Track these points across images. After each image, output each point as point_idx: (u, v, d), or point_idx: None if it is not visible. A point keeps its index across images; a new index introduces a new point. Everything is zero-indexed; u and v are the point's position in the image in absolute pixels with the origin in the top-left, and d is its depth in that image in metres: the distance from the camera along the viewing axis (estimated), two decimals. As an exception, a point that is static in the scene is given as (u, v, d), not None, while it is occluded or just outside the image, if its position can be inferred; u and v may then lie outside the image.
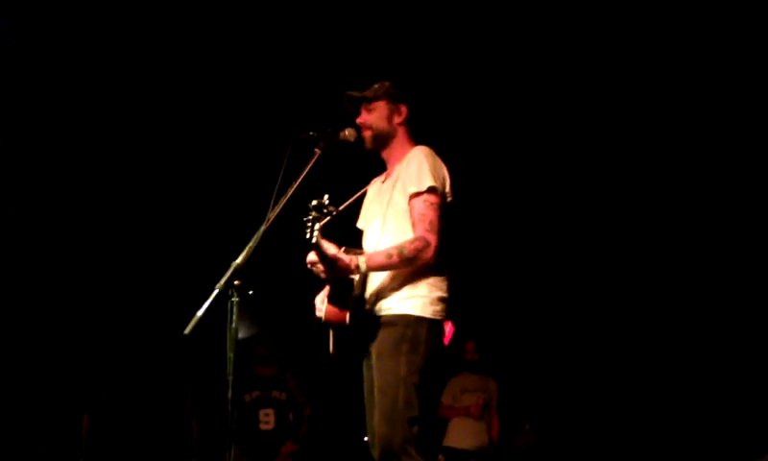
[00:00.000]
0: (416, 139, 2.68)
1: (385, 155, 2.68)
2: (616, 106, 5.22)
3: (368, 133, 2.63)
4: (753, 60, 4.69)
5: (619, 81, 5.06)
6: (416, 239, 2.42)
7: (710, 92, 4.94)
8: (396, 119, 2.64)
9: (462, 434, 5.15)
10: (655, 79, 5.01)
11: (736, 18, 4.50)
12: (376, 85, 2.66)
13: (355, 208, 2.76)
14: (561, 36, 4.85)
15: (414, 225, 2.46)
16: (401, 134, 2.65)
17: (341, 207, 2.40)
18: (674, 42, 4.74)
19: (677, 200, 5.51)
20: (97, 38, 4.77)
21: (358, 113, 2.66)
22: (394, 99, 2.64)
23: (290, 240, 2.37)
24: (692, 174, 5.38)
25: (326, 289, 2.56)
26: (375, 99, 2.63)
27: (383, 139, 2.64)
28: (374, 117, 2.63)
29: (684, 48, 4.76)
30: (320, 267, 2.39)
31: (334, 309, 2.47)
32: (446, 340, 2.54)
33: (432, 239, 2.42)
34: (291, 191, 2.31)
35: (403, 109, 2.65)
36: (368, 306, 2.51)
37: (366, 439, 2.60)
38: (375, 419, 2.43)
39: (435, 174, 2.49)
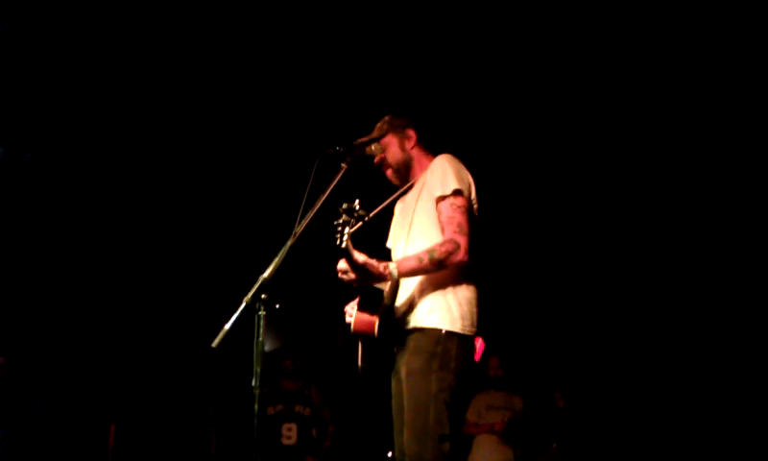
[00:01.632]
0: (433, 151, 2.69)
1: (410, 179, 2.70)
2: (639, 117, 5.18)
3: (389, 171, 2.67)
4: (753, 60, 4.63)
5: (638, 94, 5.02)
6: (446, 242, 2.41)
7: (712, 93, 4.88)
8: (408, 144, 2.67)
9: (487, 452, 5.08)
10: (670, 90, 4.97)
11: (736, 18, 4.45)
12: (379, 124, 2.69)
13: (384, 225, 2.75)
14: (576, 46, 4.83)
15: (442, 229, 2.45)
16: (418, 155, 2.68)
17: (371, 214, 2.38)
18: (679, 45, 4.69)
19: (707, 214, 5.42)
20: (122, 57, 4.85)
21: (373, 155, 2.67)
22: (399, 128, 2.67)
23: (317, 254, 2.37)
24: (713, 183, 5.31)
25: (357, 299, 2.54)
26: (383, 136, 2.66)
27: (404, 169, 2.67)
28: (390, 154, 2.66)
29: (686, 49, 4.71)
30: (350, 275, 2.36)
31: (364, 317, 2.43)
32: (477, 356, 2.50)
33: (462, 241, 2.40)
34: (318, 205, 2.31)
35: (411, 133, 2.68)
36: (397, 318, 2.48)
37: (390, 455, 2.57)
38: (405, 436, 2.40)
39: (459, 178, 2.50)
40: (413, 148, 2.66)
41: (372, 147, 2.63)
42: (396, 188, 2.74)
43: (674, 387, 5.57)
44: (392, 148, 2.65)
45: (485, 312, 2.58)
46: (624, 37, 4.71)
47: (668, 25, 4.58)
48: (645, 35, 4.67)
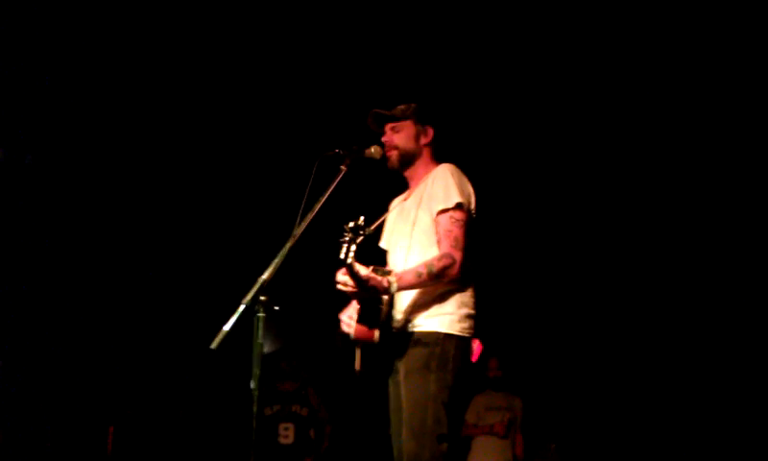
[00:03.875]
0: (438, 159, 2.69)
1: (408, 174, 2.71)
2: (639, 123, 5.20)
3: (394, 153, 2.65)
4: (753, 60, 4.64)
5: (637, 95, 5.04)
6: (442, 256, 2.43)
7: (712, 92, 4.89)
8: (423, 140, 2.67)
9: (486, 453, 5.09)
10: (668, 90, 4.98)
11: (736, 18, 4.46)
12: (403, 106, 2.68)
13: (377, 229, 2.77)
14: (581, 52, 4.85)
15: (439, 241, 2.48)
16: (426, 155, 2.68)
17: (372, 227, 2.42)
18: (683, 44, 4.71)
19: (708, 218, 5.43)
20: (123, 59, 4.86)
21: (382, 132, 2.68)
22: (421, 120, 2.67)
23: (316, 256, 2.39)
24: (714, 188, 5.32)
25: (353, 305, 2.57)
26: (403, 119, 2.66)
27: (408, 159, 2.66)
28: (401, 137, 2.65)
29: (688, 49, 4.72)
30: (351, 287, 2.39)
31: (364, 328, 2.48)
32: (474, 357, 2.53)
33: (458, 256, 2.43)
34: (317, 208, 2.33)
35: (430, 131, 2.68)
36: (396, 324, 2.51)
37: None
38: (404, 436, 2.43)
39: (461, 190, 2.51)
40: (425, 146, 2.67)
41: (372, 149, 2.63)
42: (393, 194, 2.77)
43: (674, 386, 5.58)
44: (406, 133, 2.64)
45: (484, 314, 2.60)
46: (623, 38, 4.73)
47: (667, 25, 4.60)
48: (644, 35, 4.68)
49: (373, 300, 2.45)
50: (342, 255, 2.21)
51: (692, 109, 5.04)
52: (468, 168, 2.65)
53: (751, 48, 4.58)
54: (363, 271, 2.35)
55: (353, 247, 2.21)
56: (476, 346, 2.53)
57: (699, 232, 5.49)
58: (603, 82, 5.00)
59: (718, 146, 5.17)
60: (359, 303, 2.52)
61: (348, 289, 2.39)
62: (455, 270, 2.42)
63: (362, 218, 2.22)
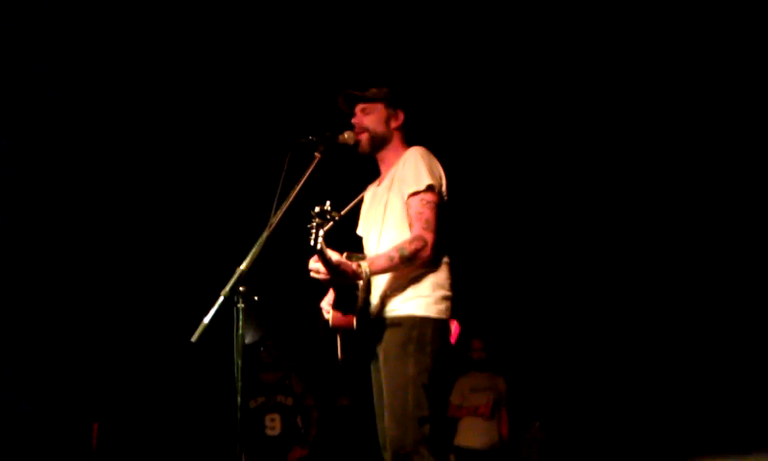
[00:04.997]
0: (410, 144, 2.68)
1: (379, 158, 2.70)
2: (614, 101, 5.23)
3: (364, 136, 2.64)
4: (753, 60, 4.68)
5: (613, 76, 5.07)
6: (414, 238, 2.43)
7: (710, 92, 4.93)
8: (393, 124, 2.66)
9: (472, 433, 5.14)
10: (652, 78, 5.01)
11: (736, 18, 4.49)
12: (375, 89, 2.67)
13: (354, 215, 2.76)
14: (551, 35, 4.86)
15: (410, 223, 2.48)
16: (396, 139, 2.67)
17: (342, 212, 2.41)
18: (674, 42, 4.73)
19: (677, 197, 5.49)
20: (98, 44, 4.79)
21: (352, 113, 2.67)
22: (392, 104, 2.67)
23: (293, 244, 2.38)
24: (693, 173, 5.37)
25: (331, 294, 2.57)
26: (374, 101, 2.65)
27: (378, 142, 2.65)
28: (371, 119, 2.64)
29: (684, 48, 4.75)
30: (322, 274, 2.38)
31: (339, 314, 2.48)
32: (453, 339, 2.53)
33: (429, 238, 2.43)
34: (293, 196, 2.32)
35: (400, 115, 2.67)
36: (373, 309, 2.51)
37: None
38: (386, 421, 2.44)
39: (432, 172, 2.51)
40: (395, 129, 2.66)
41: (345, 135, 2.62)
42: (366, 182, 2.76)
43: (656, 364, 5.65)
44: (377, 116, 2.63)
45: (467, 295, 2.60)
46: (594, 22, 4.74)
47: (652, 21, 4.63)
48: (631, 29, 4.70)
49: (349, 286, 2.45)
50: (311, 242, 2.19)
51: (662, 91, 5.08)
52: (443, 152, 2.64)
53: (745, 48, 4.61)
54: (334, 256, 2.35)
55: (321, 232, 2.19)
56: (454, 327, 2.53)
57: (674, 212, 5.55)
58: (578, 65, 5.02)
59: (693, 133, 5.22)
60: (334, 289, 2.51)
61: (321, 276, 2.39)
62: (427, 252, 2.42)
63: (328, 203, 2.20)
